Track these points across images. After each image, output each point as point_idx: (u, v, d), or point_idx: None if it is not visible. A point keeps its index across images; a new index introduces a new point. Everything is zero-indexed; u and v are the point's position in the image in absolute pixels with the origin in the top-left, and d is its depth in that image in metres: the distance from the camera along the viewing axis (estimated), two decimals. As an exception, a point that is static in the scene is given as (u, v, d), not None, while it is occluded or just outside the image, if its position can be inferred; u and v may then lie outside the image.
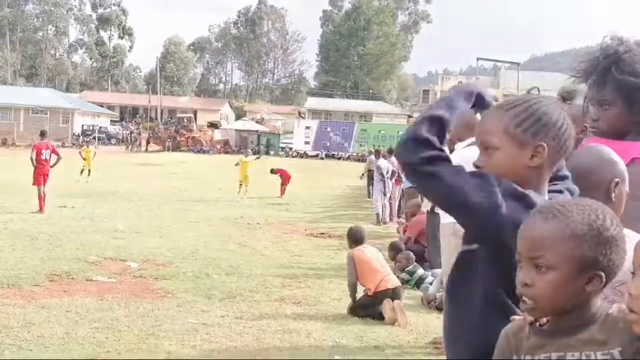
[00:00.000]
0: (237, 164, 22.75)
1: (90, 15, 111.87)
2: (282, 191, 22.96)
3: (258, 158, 26.04)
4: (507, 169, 1.93)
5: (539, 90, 2.10)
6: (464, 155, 3.42)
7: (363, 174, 24.12)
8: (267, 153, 56.68)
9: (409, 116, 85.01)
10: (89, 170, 25.21)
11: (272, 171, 23.44)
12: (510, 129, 1.93)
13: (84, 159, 25.53)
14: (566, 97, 2.03)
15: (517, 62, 52.61)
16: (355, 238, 8.07)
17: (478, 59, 47.99)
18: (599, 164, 2.18)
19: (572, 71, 2.44)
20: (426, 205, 10.07)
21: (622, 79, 2.26)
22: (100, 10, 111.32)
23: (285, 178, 23.19)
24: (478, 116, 2.14)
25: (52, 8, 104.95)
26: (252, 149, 35.24)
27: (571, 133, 1.98)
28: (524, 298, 1.62)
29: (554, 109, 1.96)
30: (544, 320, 1.65)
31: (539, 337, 1.63)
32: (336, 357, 6.13)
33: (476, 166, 1.99)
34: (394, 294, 7.59)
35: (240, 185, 21.98)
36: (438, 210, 7.20)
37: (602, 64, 2.31)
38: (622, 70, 2.26)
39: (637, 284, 1.45)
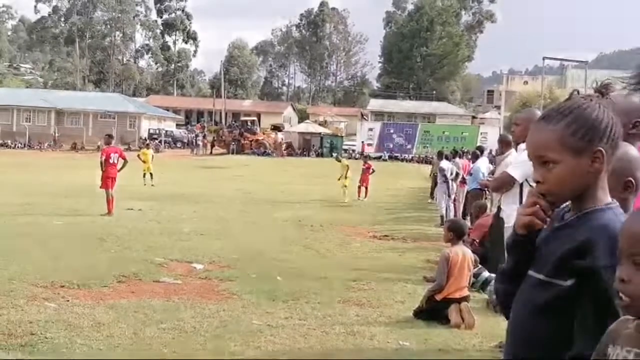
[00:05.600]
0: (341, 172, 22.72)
1: (156, 21, 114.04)
2: (359, 192, 23.02)
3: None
4: (571, 180, 1.95)
5: (578, 92, 2.08)
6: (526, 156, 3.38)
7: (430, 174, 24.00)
8: (330, 155, 56.79)
9: (473, 117, 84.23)
10: (151, 174, 25.50)
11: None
12: (567, 140, 1.94)
13: (144, 162, 25.82)
14: (604, 91, 2.00)
15: (585, 61, 51.64)
16: (460, 232, 7.82)
17: (544, 58, 47.27)
18: None
19: (624, 79, 2.41)
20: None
21: None
22: (165, 16, 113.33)
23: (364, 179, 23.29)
24: (539, 113, 2.12)
25: (120, 15, 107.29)
26: (315, 151, 35.27)
27: (620, 131, 1.99)
28: (621, 294, 1.61)
29: (602, 111, 1.96)
30: None
31: (636, 330, 1.60)
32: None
33: (536, 181, 2.00)
34: (460, 301, 7.48)
35: (344, 187, 22.09)
36: (503, 215, 7.10)
37: None
38: None
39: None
